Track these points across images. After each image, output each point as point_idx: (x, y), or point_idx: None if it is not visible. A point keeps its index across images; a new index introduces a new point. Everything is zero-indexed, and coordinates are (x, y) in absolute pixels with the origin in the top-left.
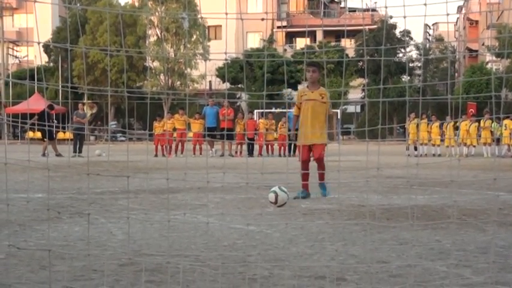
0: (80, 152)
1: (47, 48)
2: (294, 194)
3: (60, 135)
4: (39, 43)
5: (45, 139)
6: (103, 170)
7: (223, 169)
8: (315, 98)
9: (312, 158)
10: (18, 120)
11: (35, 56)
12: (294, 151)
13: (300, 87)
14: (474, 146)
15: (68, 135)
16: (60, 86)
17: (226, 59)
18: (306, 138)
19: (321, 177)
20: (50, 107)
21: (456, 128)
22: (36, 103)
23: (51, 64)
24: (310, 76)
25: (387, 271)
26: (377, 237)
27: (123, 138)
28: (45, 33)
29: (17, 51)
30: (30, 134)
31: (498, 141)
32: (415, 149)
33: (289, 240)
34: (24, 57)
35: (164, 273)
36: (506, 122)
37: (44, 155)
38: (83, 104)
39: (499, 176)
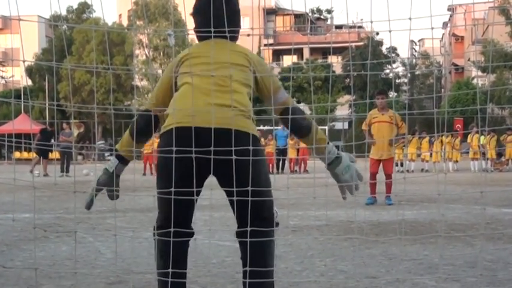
0: (67, 171)
1: (30, 73)
2: (277, 211)
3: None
4: (24, 61)
5: (42, 157)
6: (90, 189)
7: (211, 186)
8: (385, 119)
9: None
10: (26, 140)
11: (21, 76)
12: (283, 168)
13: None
14: (456, 162)
15: (55, 154)
16: (47, 105)
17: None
18: (378, 154)
19: (388, 189)
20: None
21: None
22: (22, 123)
23: (36, 85)
24: (380, 102)
25: (376, 286)
26: (366, 253)
27: (110, 158)
28: (32, 54)
29: (2, 71)
30: (17, 154)
31: (484, 155)
32: (401, 164)
33: (278, 257)
34: (10, 77)
35: None
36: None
37: (45, 174)
38: (68, 123)
39: (485, 190)
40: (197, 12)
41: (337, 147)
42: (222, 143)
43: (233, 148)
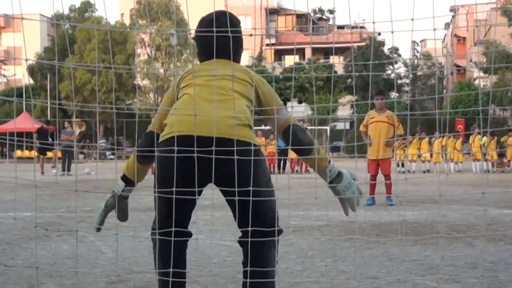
0: (69, 170)
1: (32, 71)
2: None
3: (49, 153)
4: (26, 60)
5: (42, 155)
6: (92, 188)
7: (212, 186)
8: (382, 120)
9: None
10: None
11: (23, 75)
12: (284, 167)
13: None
14: (461, 162)
15: (55, 154)
16: (48, 103)
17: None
18: (375, 154)
19: (388, 189)
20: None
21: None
22: (24, 122)
23: (38, 84)
24: (379, 103)
25: (377, 287)
26: (367, 253)
27: (112, 156)
28: (34, 52)
29: (4, 69)
30: (18, 152)
31: (485, 155)
32: (403, 165)
33: (279, 257)
34: (12, 76)
35: None
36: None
37: (54, 167)
38: (69, 122)
39: (487, 191)
40: (198, 36)
41: (338, 147)
42: (223, 152)
43: (235, 157)
